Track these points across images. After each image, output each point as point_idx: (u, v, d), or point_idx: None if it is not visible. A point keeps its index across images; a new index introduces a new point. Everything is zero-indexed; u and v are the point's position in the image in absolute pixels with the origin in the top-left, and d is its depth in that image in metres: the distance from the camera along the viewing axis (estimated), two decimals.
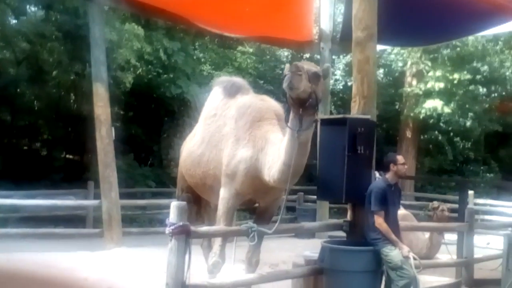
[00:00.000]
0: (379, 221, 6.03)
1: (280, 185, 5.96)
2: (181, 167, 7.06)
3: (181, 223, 5.11)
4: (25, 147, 18.38)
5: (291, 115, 5.46)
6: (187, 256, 5.15)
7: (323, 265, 6.22)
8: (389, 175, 6.30)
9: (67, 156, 18.24)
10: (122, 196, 12.44)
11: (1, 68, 16.25)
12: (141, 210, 14.80)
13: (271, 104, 6.36)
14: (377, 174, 7.27)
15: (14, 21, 15.10)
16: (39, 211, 12.96)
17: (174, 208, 5.17)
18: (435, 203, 10.43)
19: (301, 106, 5.37)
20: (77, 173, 16.57)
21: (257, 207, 6.53)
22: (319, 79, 5.42)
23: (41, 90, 16.77)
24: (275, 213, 6.69)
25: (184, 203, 5.43)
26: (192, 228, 5.26)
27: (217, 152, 6.24)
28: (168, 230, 5.13)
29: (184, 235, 5.13)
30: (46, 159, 17.42)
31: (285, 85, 5.25)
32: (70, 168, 17.23)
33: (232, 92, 6.60)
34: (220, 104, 6.59)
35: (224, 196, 6.02)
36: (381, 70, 20.06)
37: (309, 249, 7.77)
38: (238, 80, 6.94)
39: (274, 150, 5.73)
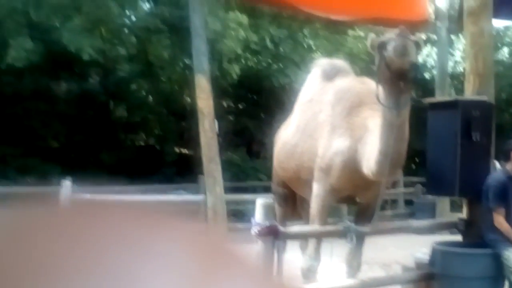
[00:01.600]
0: (499, 219, 5.25)
1: (378, 177, 5.28)
2: (275, 160, 6.58)
3: (268, 223, 4.66)
4: (141, 143, 18.77)
5: (386, 92, 4.67)
6: (275, 258, 4.69)
7: (435, 270, 5.50)
8: (510, 166, 5.46)
9: (180, 150, 18.41)
10: (233, 190, 12.24)
11: (116, 65, 16.62)
12: (252, 205, 14.52)
13: (372, 87, 5.65)
14: (497, 164, 6.43)
15: (124, 18, 15.34)
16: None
17: (260, 206, 4.75)
18: None
19: (403, 79, 4.64)
20: (189, 167, 16.64)
21: (358, 204, 5.89)
22: (419, 49, 4.68)
23: (153, 85, 17.01)
24: (378, 209, 6.02)
25: (271, 201, 4.99)
26: (281, 228, 4.78)
27: (312, 142, 5.65)
28: (253, 230, 4.70)
29: (272, 236, 4.67)
30: (159, 154, 17.67)
31: (393, 52, 4.38)
32: (182, 162, 17.35)
33: (331, 74, 5.99)
34: (317, 88, 6.01)
35: (318, 193, 5.42)
36: (506, 49, 18.51)
37: (426, 247, 7.06)
38: (338, 61, 6.36)
39: (373, 138, 5.05)
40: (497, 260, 5.23)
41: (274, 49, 15.57)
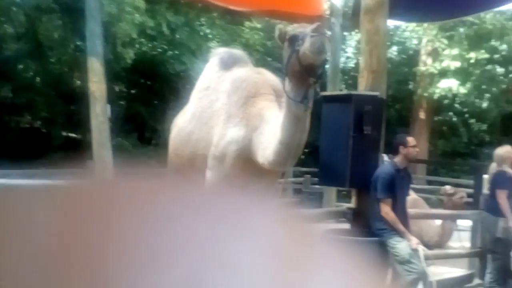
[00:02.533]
0: (386, 209, 5.46)
1: (276, 167, 5.38)
2: (170, 146, 6.51)
3: None
4: (26, 125, 17.95)
5: (293, 85, 4.75)
6: None
7: None
8: (398, 159, 5.71)
9: (68, 134, 17.80)
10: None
11: (2, 43, 15.76)
12: None
13: (269, 78, 5.74)
14: (385, 157, 6.72)
15: None
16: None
17: None
18: (448, 188, 9.81)
19: (312, 74, 4.71)
20: (77, 152, 16.12)
21: None
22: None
23: (41, 66, 16.29)
24: (272, 198, 6.12)
25: None
26: None
27: (208, 131, 5.64)
28: None
29: None
30: (46, 137, 17.00)
31: (310, 48, 4.42)
32: (70, 146, 16.79)
33: (228, 64, 5.97)
34: (214, 77, 5.98)
35: (211, 181, 5.43)
36: (395, 48, 19.40)
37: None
38: (236, 51, 6.34)
39: (270, 129, 5.11)
40: (383, 248, 5.47)
41: (170, 36, 15.39)
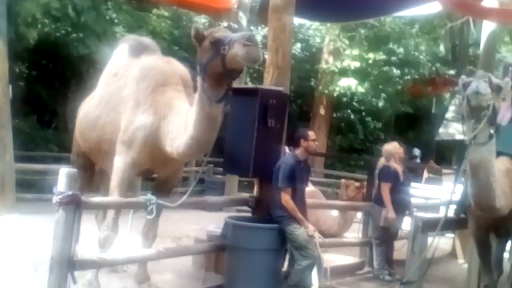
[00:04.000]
0: (286, 198, 5.75)
1: (184, 158, 5.55)
2: (76, 130, 6.50)
3: (70, 192, 4.63)
4: None
5: (210, 85, 4.89)
6: (75, 229, 4.68)
7: (226, 242, 5.90)
8: (298, 151, 6.02)
9: None
10: (21, 159, 11.67)
11: None
12: (40, 176, 13.96)
13: (177, 68, 5.87)
14: (286, 149, 7.03)
15: None
16: None
17: (63, 175, 4.67)
18: (343, 181, 10.35)
19: (233, 78, 4.92)
20: None
21: (156, 178, 6.08)
22: None
23: None
24: (177, 185, 6.27)
25: (74, 170, 4.93)
26: (83, 198, 4.79)
27: (115, 116, 5.69)
28: (55, 199, 4.64)
29: (73, 205, 4.66)
30: None
31: (247, 56, 4.63)
32: None
33: (137, 51, 6.02)
34: (123, 64, 6.02)
35: (118, 166, 5.49)
36: (299, 45, 19.87)
37: (215, 223, 7.45)
38: (145, 39, 6.40)
39: (180, 120, 5.25)
40: (282, 235, 5.76)
41: (75, 18, 14.96)
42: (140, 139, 5.42)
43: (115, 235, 5.55)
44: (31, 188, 13.72)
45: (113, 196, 5.41)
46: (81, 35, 15.65)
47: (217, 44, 4.77)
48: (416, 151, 10.50)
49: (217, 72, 4.81)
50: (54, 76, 17.54)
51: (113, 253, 5.50)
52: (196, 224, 9.78)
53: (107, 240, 5.49)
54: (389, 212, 7.64)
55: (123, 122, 5.57)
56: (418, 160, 11.11)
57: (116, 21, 17.45)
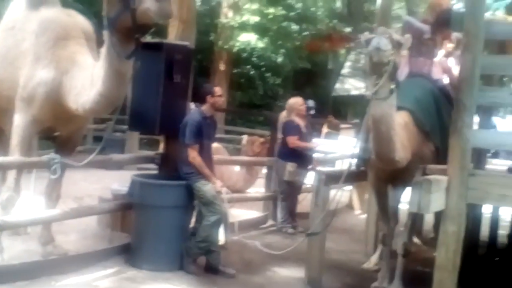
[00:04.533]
0: (193, 154, 5.74)
1: (91, 115, 5.40)
2: None
3: None
4: None
5: (119, 41, 4.67)
6: None
7: (133, 200, 5.84)
8: (205, 107, 5.99)
9: None
10: None
11: None
12: None
13: (79, 21, 5.64)
14: (192, 105, 6.98)
15: None
16: None
17: None
18: (248, 137, 10.48)
19: (143, 32, 4.70)
20: None
21: (58, 137, 5.87)
22: None
23: None
24: (79, 143, 6.11)
25: None
26: None
27: (13, 71, 5.42)
28: None
29: None
30: None
31: (159, 12, 4.39)
32: None
33: (36, 3, 5.69)
34: (21, 16, 5.69)
35: (18, 123, 5.27)
36: None
37: (117, 182, 7.35)
38: None
39: (85, 76, 5.06)
40: (189, 191, 5.76)
41: None
42: (41, 95, 5.21)
43: (18, 196, 5.36)
44: None
45: (14, 155, 5.19)
46: None
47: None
48: (311, 103, 10.74)
49: (126, 27, 4.63)
50: None
51: (15, 215, 5.31)
52: (97, 183, 9.59)
53: (9, 202, 5.28)
54: (309, 146, 7.94)
55: (22, 78, 5.32)
56: (313, 112, 11.36)
57: None
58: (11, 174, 5.35)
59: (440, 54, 6.15)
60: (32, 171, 5.96)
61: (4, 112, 5.59)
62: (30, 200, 5.75)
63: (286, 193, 8.10)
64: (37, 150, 8.79)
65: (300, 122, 8.10)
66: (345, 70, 23.06)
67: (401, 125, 5.14)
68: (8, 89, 5.45)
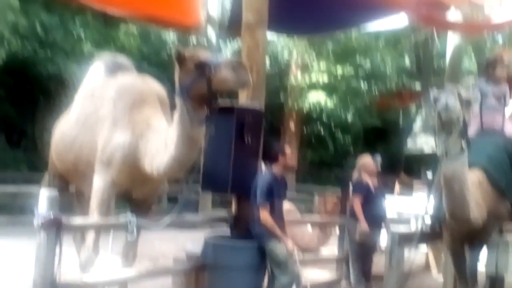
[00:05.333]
0: (265, 215, 5.79)
1: (165, 177, 5.57)
2: (52, 151, 6.45)
3: (52, 215, 4.62)
4: None
5: (192, 107, 4.85)
6: (57, 251, 4.67)
7: (206, 261, 5.91)
8: (276, 167, 6.06)
9: None
10: None
11: None
12: (11, 198, 13.75)
13: (154, 86, 5.89)
14: (263, 166, 7.06)
15: None
16: None
17: (44, 197, 4.66)
18: (322, 196, 10.46)
19: (216, 100, 4.93)
20: None
21: (134, 199, 6.06)
22: None
23: None
24: (155, 204, 6.27)
25: (56, 192, 4.92)
26: (64, 220, 4.77)
27: (92, 136, 5.67)
28: (37, 221, 4.62)
29: (55, 227, 4.65)
30: None
31: (236, 81, 4.76)
32: None
33: (113, 70, 5.99)
34: (99, 83, 6.00)
35: (98, 186, 5.47)
36: (268, 61, 20.02)
37: (191, 241, 7.44)
38: (120, 57, 6.39)
39: (159, 139, 5.25)
40: (262, 252, 5.79)
41: (43, 36, 14.87)
42: (118, 158, 5.41)
43: (96, 256, 5.52)
44: (1, 210, 13.50)
45: (94, 217, 5.39)
46: (49, 53, 15.54)
47: (203, 67, 4.77)
48: (378, 158, 10.71)
49: (201, 94, 4.82)
50: (22, 95, 17.31)
51: (94, 275, 5.46)
52: (171, 243, 9.74)
53: (88, 262, 5.45)
54: (362, 224, 7.73)
55: (100, 142, 5.55)
56: (379, 167, 11.33)
57: (84, 38, 17.36)
58: (90, 235, 5.54)
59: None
60: (110, 231, 6.13)
61: (83, 176, 5.83)
62: (107, 260, 5.89)
63: (358, 253, 7.97)
64: (115, 209, 9.09)
65: (370, 182, 8.02)
66: (416, 127, 22.75)
67: (474, 184, 5.04)
68: (88, 153, 5.69)
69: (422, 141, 21.97)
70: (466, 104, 4.77)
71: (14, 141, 17.43)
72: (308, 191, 17.07)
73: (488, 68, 6.01)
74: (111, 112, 5.62)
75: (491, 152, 5.50)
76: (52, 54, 15.54)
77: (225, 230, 6.79)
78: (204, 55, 4.92)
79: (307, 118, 20.78)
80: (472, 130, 5.63)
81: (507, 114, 5.90)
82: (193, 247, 6.69)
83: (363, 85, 19.75)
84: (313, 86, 18.93)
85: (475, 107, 5.52)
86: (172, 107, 5.24)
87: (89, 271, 5.48)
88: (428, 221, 5.74)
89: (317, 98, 18.69)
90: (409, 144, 22.10)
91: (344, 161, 22.33)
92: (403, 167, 19.97)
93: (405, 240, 5.61)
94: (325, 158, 22.38)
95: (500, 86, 5.84)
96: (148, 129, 5.42)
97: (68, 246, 6.00)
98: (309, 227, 10.09)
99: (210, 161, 6.24)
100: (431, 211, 5.64)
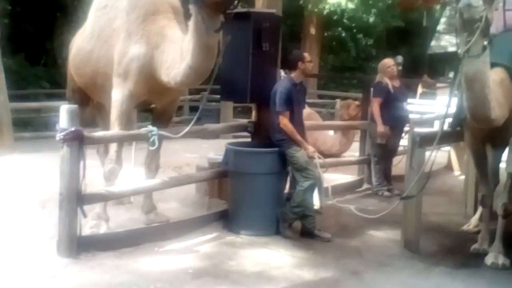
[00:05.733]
0: (284, 121, 5.78)
1: (182, 87, 5.56)
2: (70, 66, 6.46)
3: (73, 128, 4.71)
4: None
5: (205, 15, 4.76)
6: (81, 164, 4.78)
7: (228, 168, 5.99)
8: (294, 74, 5.99)
9: None
10: (13, 98, 11.64)
11: None
12: (35, 113, 13.98)
13: None
14: (282, 72, 7.01)
15: None
16: None
17: (64, 112, 4.74)
18: (343, 101, 10.40)
19: (228, 5, 4.83)
20: None
21: (154, 109, 6.11)
22: None
23: None
24: (174, 114, 6.31)
25: (75, 106, 5.00)
26: (86, 133, 4.85)
27: (108, 48, 5.66)
28: (59, 136, 4.71)
29: (77, 141, 4.74)
30: None
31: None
32: None
33: None
34: None
35: (117, 98, 5.50)
36: None
37: (213, 150, 7.54)
38: None
39: (175, 49, 5.21)
40: (283, 158, 5.83)
41: None
42: (135, 70, 5.41)
43: (120, 167, 5.64)
44: (26, 126, 13.76)
45: (114, 129, 5.45)
46: None
47: None
48: (399, 58, 10.51)
49: (215, 1, 4.73)
50: (38, 11, 17.20)
51: (119, 185, 5.60)
52: (195, 153, 9.90)
53: (112, 173, 5.57)
54: (379, 126, 7.73)
55: (116, 55, 5.55)
56: (400, 68, 11.01)
57: None
58: (113, 147, 5.63)
59: None
60: (132, 143, 6.22)
61: (102, 88, 5.86)
62: (131, 171, 6.01)
63: (380, 156, 8.02)
64: (137, 123, 9.19)
65: (390, 83, 7.93)
66: (440, 27, 22.22)
67: (496, 82, 4.93)
68: (105, 66, 5.70)
69: (446, 42, 21.54)
70: (489, 1, 4.60)
71: (34, 58, 17.49)
72: (330, 97, 17.03)
73: None
74: (124, 24, 5.58)
75: None
76: None
77: (247, 138, 6.86)
78: None
79: (328, 22, 20.38)
80: (495, 28, 5.46)
81: None
82: (215, 155, 6.78)
83: None
84: None
85: (499, 5, 5.30)
86: (188, 16, 5.16)
87: (113, 182, 5.61)
88: (450, 121, 5.69)
89: (337, 0, 18.21)
90: (432, 45, 21.66)
91: (367, 64, 22.07)
92: (427, 69, 19.67)
93: (426, 141, 5.59)
94: (347, 63, 22.14)
95: None
96: (163, 39, 5.38)
97: (93, 160, 6.19)
98: (331, 132, 10.12)
99: (228, 69, 6.19)
100: (453, 111, 5.57)
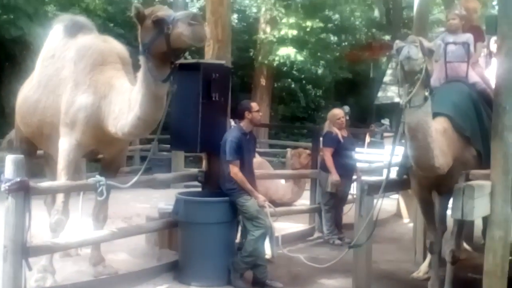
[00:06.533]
0: (235, 170, 5.81)
1: (130, 138, 5.53)
2: (16, 115, 6.37)
3: (18, 179, 4.59)
4: None
5: (155, 65, 4.81)
6: (27, 215, 4.66)
7: (178, 218, 5.94)
8: (243, 123, 6.07)
9: None
10: None
11: None
12: None
13: (115, 46, 5.82)
14: (232, 122, 7.07)
15: None
16: None
17: (10, 162, 4.62)
18: (294, 150, 10.51)
19: (177, 57, 4.86)
20: None
21: (102, 159, 6.04)
22: None
23: None
24: (123, 165, 6.25)
25: (21, 156, 4.88)
26: (32, 183, 4.74)
27: (55, 98, 5.61)
28: (4, 186, 4.59)
29: (23, 191, 4.62)
30: None
31: (192, 36, 4.57)
32: None
33: (73, 31, 5.90)
34: (60, 45, 5.90)
35: (64, 148, 5.44)
36: (235, 16, 19.82)
37: (164, 200, 7.47)
38: (80, 18, 6.27)
39: (122, 99, 5.21)
40: (233, 207, 5.83)
41: None
42: (82, 119, 5.38)
43: (66, 218, 5.52)
44: None
45: (61, 179, 5.36)
46: (11, 16, 15.16)
47: (160, 24, 4.69)
48: (346, 108, 10.83)
49: (162, 52, 4.76)
50: None
51: (65, 237, 5.47)
52: (145, 203, 9.79)
53: (58, 225, 5.44)
54: (333, 175, 7.83)
55: (63, 104, 5.51)
56: (347, 118, 11.32)
57: (47, 0, 16.96)
58: (59, 197, 5.52)
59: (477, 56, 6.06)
60: (80, 193, 6.12)
61: (49, 138, 5.78)
62: (79, 222, 5.90)
63: (330, 204, 8.09)
64: (86, 173, 9.05)
65: (339, 133, 8.07)
66: (386, 78, 22.85)
67: (439, 131, 5.09)
68: (52, 115, 5.64)
69: (392, 92, 22.14)
70: (428, 53, 4.78)
71: None
72: (281, 146, 17.16)
73: (447, 18, 6.05)
74: (72, 74, 5.57)
75: (455, 100, 5.54)
76: (15, 18, 15.16)
77: (198, 187, 6.84)
78: (162, 11, 4.83)
79: (278, 73, 20.70)
80: (437, 79, 5.66)
81: (471, 63, 5.93)
82: (166, 205, 6.72)
83: (333, 38, 19.67)
84: (282, 40, 18.78)
85: (439, 56, 5.51)
86: (137, 67, 5.18)
87: (60, 234, 5.48)
88: (397, 169, 5.80)
89: (286, 52, 18.57)
90: (379, 96, 22.25)
91: (316, 114, 22.43)
92: (374, 119, 20.12)
93: (374, 188, 5.66)
94: (297, 112, 22.43)
95: (462, 35, 5.85)
96: (110, 90, 5.38)
97: (40, 211, 6.04)
98: (282, 181, 10.17)
99: (178, 119, 6.24)
100: (398, 159, 5.69)
